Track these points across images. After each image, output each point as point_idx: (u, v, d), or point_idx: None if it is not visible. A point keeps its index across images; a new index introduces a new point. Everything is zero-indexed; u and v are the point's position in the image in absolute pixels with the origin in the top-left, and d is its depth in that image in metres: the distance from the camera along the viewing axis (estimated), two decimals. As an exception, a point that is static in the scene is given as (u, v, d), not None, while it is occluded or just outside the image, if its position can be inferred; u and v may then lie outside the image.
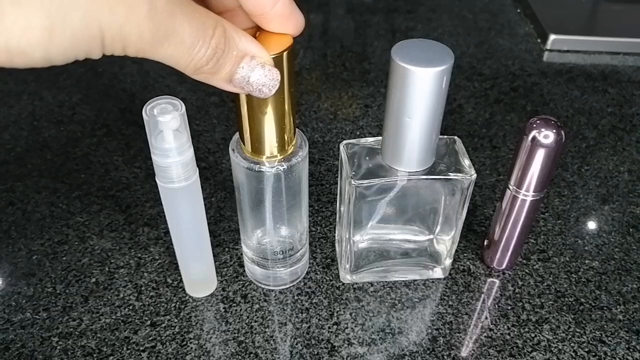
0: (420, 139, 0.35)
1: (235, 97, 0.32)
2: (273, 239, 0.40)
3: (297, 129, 0.36)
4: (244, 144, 0.35)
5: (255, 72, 0.27)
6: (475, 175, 0.37)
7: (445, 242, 0.42)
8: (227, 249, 0.46)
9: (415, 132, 0.34)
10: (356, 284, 0.43)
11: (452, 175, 0.37)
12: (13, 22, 0.17)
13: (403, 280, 0.44)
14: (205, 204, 0.38)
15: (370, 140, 0.39)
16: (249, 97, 0.31)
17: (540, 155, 0.36)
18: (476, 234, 0.47)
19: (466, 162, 0.38)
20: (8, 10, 0.17)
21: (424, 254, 0.43)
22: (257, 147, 0.34)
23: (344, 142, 0.39)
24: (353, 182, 0.37)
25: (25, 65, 0.20)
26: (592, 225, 0.49)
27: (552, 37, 0.72)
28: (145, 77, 0.66)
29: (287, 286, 0.43)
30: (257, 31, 0.30)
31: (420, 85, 0.32)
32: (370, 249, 0.43)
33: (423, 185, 0.38)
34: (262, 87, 0.28)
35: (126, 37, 0.21)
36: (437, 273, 0.44)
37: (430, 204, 0.40)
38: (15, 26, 0.17)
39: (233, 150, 0.36)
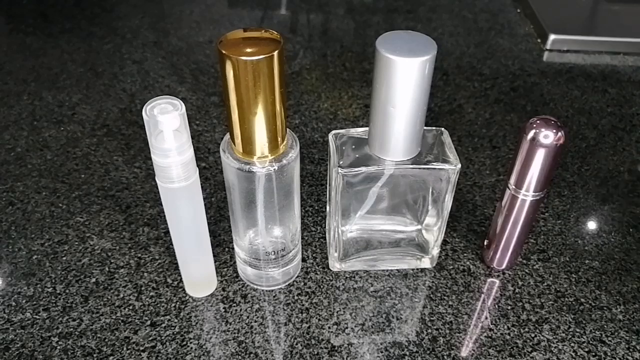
0: (405, 128, 0.35)
1: (225, 97, 0.32)
2: (265, 240, 0.40)
3: (287, 129, 0.36)
4: (234, 144, 0.35)
5: None
6: (459, 165, 0.38)
7: (433, 232, 0.42)
8: (227, 249, 0.46)
9: (400, 121, 0.35)
10: (356, 283, 0.43)
11: (438, 166, 0.38)
12: None
13: (403, 281, 0.44)
14: (205, 204, 0.38)
15: (358, 130, 0.40)
16: (239, 97, 0.31)
17: (540, 155, 0.36)
18: (476, 234, 0.47)
19: (452, 152, 0.38)
20: None
21: (411, 244, 0.44)
22: (248, 147, 0.34)
23: (333, 132, 0.40)
24: (340, 171, 0.37)
25: None
26: (592, 225, 0.49)
27: (552, 37, 0.72)
28: (145, 77, 0.66)
29: (280, 287, 0.43)
30: (247, 31, 0.31)
31: (403, 74, 0.33)
32: (359, 238, 0.43)
33: (410, 175, 0.39)
34: None
35: None
36: (425, 263, 0.44)
37: (417, 194, 0.41)
38: None
39: (224, 150, 0.36)
